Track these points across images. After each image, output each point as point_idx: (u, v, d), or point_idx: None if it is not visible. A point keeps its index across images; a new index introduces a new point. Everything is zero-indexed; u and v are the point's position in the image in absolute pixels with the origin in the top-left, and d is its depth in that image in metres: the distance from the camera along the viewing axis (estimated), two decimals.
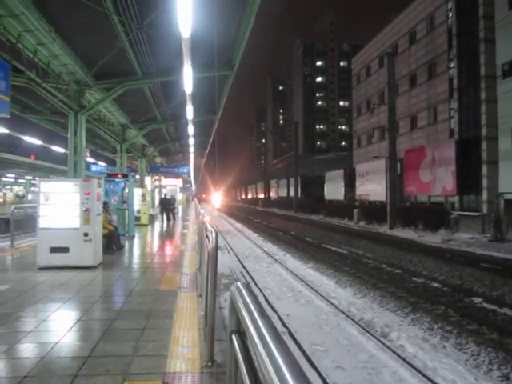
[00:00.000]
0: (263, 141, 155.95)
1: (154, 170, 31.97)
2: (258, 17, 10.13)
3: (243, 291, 1.34)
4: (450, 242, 20.17)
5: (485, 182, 24.84)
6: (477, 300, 9.92)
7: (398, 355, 6.45)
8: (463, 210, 26.46)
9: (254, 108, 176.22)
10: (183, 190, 54.13)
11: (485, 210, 24.20)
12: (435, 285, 11.64)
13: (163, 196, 24.90)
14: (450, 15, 30.15)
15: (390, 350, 6.67)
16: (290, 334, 7.36)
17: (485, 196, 24.74)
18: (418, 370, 5.93)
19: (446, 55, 30.86)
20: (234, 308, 1.39)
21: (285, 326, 7.81)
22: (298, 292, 10.63)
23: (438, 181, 28.93)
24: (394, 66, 29.19)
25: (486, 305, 9.55)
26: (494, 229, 20.67)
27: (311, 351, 6.59)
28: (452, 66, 29.80)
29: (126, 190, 15.75)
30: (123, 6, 9.06)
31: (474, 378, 5.78)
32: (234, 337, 1.40)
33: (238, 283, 1.46)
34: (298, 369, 0.77)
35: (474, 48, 26.38)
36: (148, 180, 29.42)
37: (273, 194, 76.69)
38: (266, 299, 9.79)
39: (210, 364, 3.75)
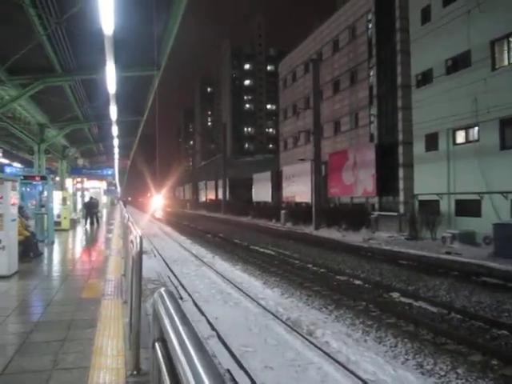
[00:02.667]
0: (191, 142, 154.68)
1: (75, 172, 30.40)
2: (186, 15, 10.02)
3: (166, 298, 1.32)
4: (370, 240, 21.27)
5: (401, 184, 26.50)
6: (395, 295, 10.55)
7: (323, 351, 6.68)
8: (382, 210, 28.03)
9: (181, 109, 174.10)
10: (108, 192, 52.09)
11: (402, 210, 25.81)
12: (357, 282, 12.22)
13: (89, 199, 23.89)
14: (370, 26, 31.84)
15: (316, 346, 6.89)
16: (219, 336, 7.34)
17: (401, 197, 26.40)
18: (341, 365, 6.18)
19: (366, 64, 32.53)
20: (156, 315, 1.36)
21: (213, 329, 7.78)
22: (227, 294, 10.64)
23: (359, 183, 30.40)
24: (319, 72, 30.28)
25: (403, 299, 10.18)
26: (410, 228, 22.14)
27: (240, 353, 6.63)
28: (372, 74, 31.48)
29: (45, 193, 14.88)
30: None
31: (393, 368, 6.14)
32: (157, 345, 1.37)
33: (161, 290, 1.44)
34: (217, 376, 0.77)
35: (391, 58, 28.09)
36: (69, 182, 27.98)
37: (201, 197, 76.25)
38: (195, 303, 9.69)
39: (135, 373, 3.64)
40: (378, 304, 9.69)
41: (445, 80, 22.05)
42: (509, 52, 19.07)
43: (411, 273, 13.34)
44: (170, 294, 1.37)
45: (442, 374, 6.09)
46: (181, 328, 1.05)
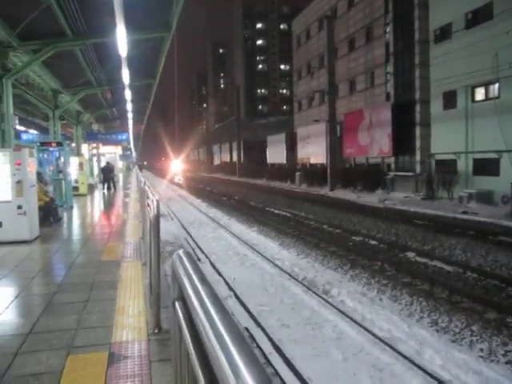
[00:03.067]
0: (204, 105, 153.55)
1: (90, 137, 30.60)
2: None
3: (184, 259, 1.34)
4: (386, 201, 21.19)
5: (418, 144, 26.04)
6: (410, 255, 10.59)
7: (339, 310, 6.81)
8: (398, 170, 27.72)
9: (194, 71, 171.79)
10: (123, 157, 52.44)
11: (418, 170, 25.49)
12: (373, 242, 12.27)
13: (105, 164, 24.14)
14: None
15: (331, 305, 7.02)
16: (237, 296, 7.52)
17: (418, 157, 25.99)
18: (356, 322, 6.31)
19: (382, 19, 31.38)
20: (175, 276, 1.40)
21: (231, 289, 7.96)
22: (243, 255, 10.82)
23: (375, 143, 29.97)
24: (333, 30, 29.38)
25: (418, 259, 10.23)
26: (426, 188, 21.96)
27: (257, 312, 6.80)
28: (388, 30, 30.39)
29: (62, 159, 15.06)
30: None
31: (407, 326, 6.25)
32: (177, 304, 1.41)
33: (180, 251, 1.47)
34: (236, 332, 0.79)
35: (408, 13, 26.97)
36: (85, 148, 28.20)
37: (215, 160, 76.32)
38: (212, 264, 9.90)
39: (156, 331, 3.78)
40: (394, 263, 9.76)
41: (464, 35, 21.19)
42: None
43: (427, 233, 13.33)
44: (189, 255, 1.39)
45: (457, 331, 6.18)
46: (200, 287, 1.07)
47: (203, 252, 11.20)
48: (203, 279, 1.12)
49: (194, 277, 1.15)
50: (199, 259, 10.37)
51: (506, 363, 5.24)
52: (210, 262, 10.14)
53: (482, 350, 5.59)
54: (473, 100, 21.33)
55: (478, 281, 8.43)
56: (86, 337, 3.72)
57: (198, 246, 12.08)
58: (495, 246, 11.19)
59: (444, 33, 22.99)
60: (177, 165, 60.38)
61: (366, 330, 6.06)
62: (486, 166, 20.35)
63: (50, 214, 10.63)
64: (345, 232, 14.01)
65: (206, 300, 0.96)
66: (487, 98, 20.62)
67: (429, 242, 11.96)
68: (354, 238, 13.06)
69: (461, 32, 21.48)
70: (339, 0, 37.80)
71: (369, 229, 14.35)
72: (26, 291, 5.18)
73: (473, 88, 21.19)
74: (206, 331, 0.85)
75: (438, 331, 6.19)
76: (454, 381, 4.79)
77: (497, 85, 19.83)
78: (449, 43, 22.37)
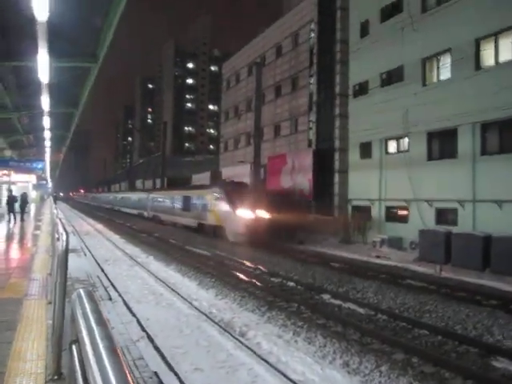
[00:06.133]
0: (130, 139, 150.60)
1: (1, 163, 28.53)
2: (129, 11, 9.76)
3: (84, 299, 1.26)
4: (305, 243, 21.74)
5: (336, 189, 27.33)
6: (326, 296, 10.85)
7: (255, 352, 6.73)
8: (318, 214, 28.71)
9: (121, 104, 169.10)
10: (37, 187, 49.26)
11: (336, 214, 26.62)
12: (291, 284, 12.43)
13: (9, 193, 22.47)
14: (312, 35, 32.60)
15: (247, 348, 6.93)
16: (149, 338, 7.18)
17: (336, 202, 27.22)
18: (271, 365, 6.26)
19: (307, 71, 33.26)
20: (73, 317, 1.30)
21: (144, 330, 7.59)
22: (160, 295, 10.44)
23: (296, 186, 30.95)
24: (262, 76, 30.55)
25: (333, 300, 10.50)
26: (343, 232, 22.93)
27: (171, 355, 6.52)
28: (312, 81, 32.23)
29: None
30: None
31: (321, 368, 6.31)
32: (73, 347, 1.30)
33: (80, 290, 1.37)
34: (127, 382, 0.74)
35: (331, 67, 28.91)
36: None
37: None
38: (126, 303, 9.42)
39: (56, 377, 3.46)
40: (310, 305, 9.92)
41: (379, 92, 23.07)
42: (438, 69, 20.31)
43: (342, 275, 13.78)
44: (89, 295, 1.31)
45: (367, 372, 6.34)
46: (95, 330, 1.00)
47: (117, 291, 10.65)
48: (100, 321, 1.05)
49: (91, 318, 1.07)
50: (111, 298, 9.83)
51: None
52: (124, 301, 9.65)
53: None
54: (386, 152, 23.00)
55: (388, 322, 8.80)
56: None
57: (111, 284, 11.47)
58: (404, 289, 11.82)
59: (362, 88, 24.86)
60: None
61: (281, 372, 6.02)
62: (397, 214, 21.80)
63: None
64: (264, 273, 14.08)
65: (100, 344, 0.89)
66: (399, 151, 22.35)
67: (344, 285, 12.36)
68: (272, 279, 13.16)
69: (376, 89, 23.36)
70: (268, 49, 39.62)
71: (287, 270, 14.54)
72: None
73: (386, 141, 22.90)
74: (94, 379, 0.78)
75: (349, 373, 6.32)
76: None
77: (406, 139, 21.62)
78: (366, 98, 24.18)
